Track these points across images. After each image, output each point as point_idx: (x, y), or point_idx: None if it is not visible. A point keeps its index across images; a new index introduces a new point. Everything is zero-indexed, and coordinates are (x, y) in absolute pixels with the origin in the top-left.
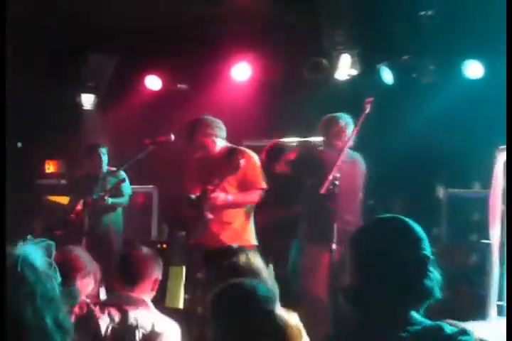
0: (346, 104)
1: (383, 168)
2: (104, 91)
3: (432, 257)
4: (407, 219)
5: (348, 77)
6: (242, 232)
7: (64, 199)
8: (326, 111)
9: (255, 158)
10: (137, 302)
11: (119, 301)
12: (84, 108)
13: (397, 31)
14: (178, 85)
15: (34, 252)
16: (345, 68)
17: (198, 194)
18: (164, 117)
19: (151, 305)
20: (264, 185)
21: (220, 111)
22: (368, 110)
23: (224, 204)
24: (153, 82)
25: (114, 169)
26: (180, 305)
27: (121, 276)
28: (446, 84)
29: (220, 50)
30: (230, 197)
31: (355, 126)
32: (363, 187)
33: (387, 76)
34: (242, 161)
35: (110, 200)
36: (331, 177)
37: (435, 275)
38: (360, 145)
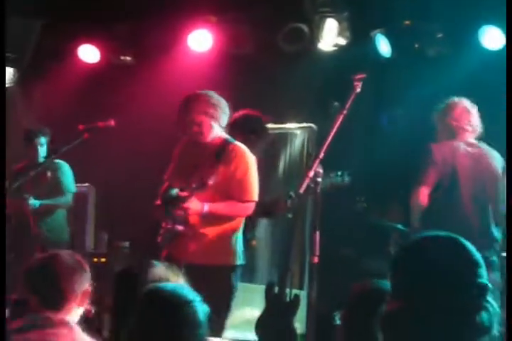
0: (332, 81)
1: (376, 161)
2: (26, 64)
3: (490, 286)
4: (462, 239)
5: (334, 48)
6: (221, 249)
7: None
8: (307, 91)
9: (252, 160)
10: (58, 325)
11: (37, 324)
12: None
13: None
14: (121, 57)
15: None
16: (330, 36)
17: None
18: (103, 97)
19: (74, 326)
20: (255, 198)
21: (173, 90)
22: (358, 89)
23: (198, 215)
24: (89, 53)
25: (53, 161)
26: None
27: (39, 295)
28: (458, 57)
29: (173, 13)
30: (206, 208)
31: (344, 108)
32: (498, 195)
33: (383, 46)
34: (233, 162)
35: (38, 203)
36: (311, 174)
37: (494, 308)
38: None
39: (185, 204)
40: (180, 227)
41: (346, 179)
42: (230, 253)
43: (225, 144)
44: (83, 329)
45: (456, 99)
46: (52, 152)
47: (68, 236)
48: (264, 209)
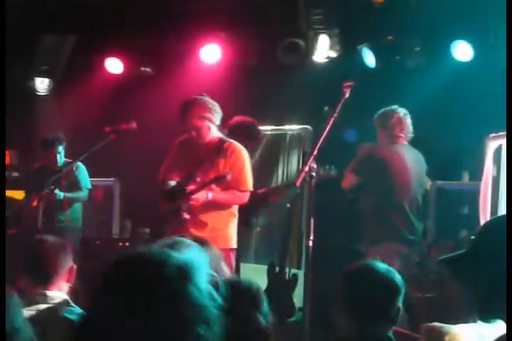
0: (324, 88)
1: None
2: (59, 75)
3: None
4: None
5: (326, 60)
6: (220, 234)
7: (16, 194)
8: (303, 96)
9: (246, 155)
10: (55, 300)
11: (34, 302)
12: (39, 93)
13: (380, 9)
14: (142, 68)
15: (202, 262)
16: (323, 50)
17: (176, 186)
18: (127, 103)
19: (69, 300)
20: (250, 188)
21: (188, 97)
22: (347, 95)
23: (203, 204)
24: (114, 65)
25: (70, 161)
26: None
27: (31, 275)
28: (433, 68)
29: (187, 30)
30: (210, 196)
31: (335, 111)
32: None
33: (368, 58)
34: (231, 158)
35: (62, 195)
36: (306, 169)
37: None
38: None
39: (195, 196)
40: (187, 216)
41: (333, 172)
42: (228, 238)
43: (221, 142)
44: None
45: (392, 108)
46: (79, 155)
47: (81, 225)
48: (260, 199)
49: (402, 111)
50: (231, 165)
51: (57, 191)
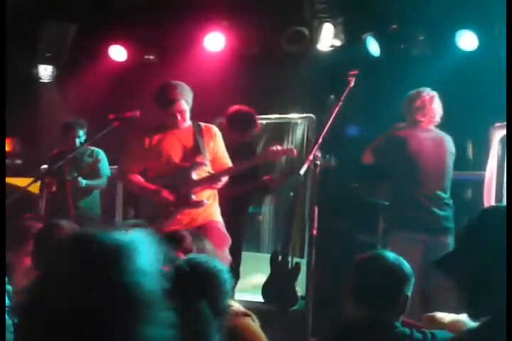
0: (329, 77)
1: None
2: (63, 62)
3: None
4: None
5: (330, 48)
6: (214, 210)
7: (19, 181)
8: (307, 85)
9: (221, 135)
10: None
11: None
12: (42, 80)
13: None
14: (146, 56)
15: (144, 244)
16: (327, 38)
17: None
18: (130, 91)
19: None
20: (231, 164)
21: (191, 85)
22: (352, 84)
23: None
24: (118, 53)
25: (91, 148)
26: None
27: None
28: (438, 57)
29: (191, 18)
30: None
31: (339, 100)
32: (450, 166)
33: (373, 47)
34: (216, 139)
35: (85, 182)
36: (311, 157)
37: None
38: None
39: (224, 178)
40: (206, 201)
41: (332, 161)
42: (218, 211)
43: (198, 125)
44: None
45: (420, 90)
46: (86, 139)
47: (100, 212)
48: (261, 186)
49: (428, 95)
50: (218, 146)
51: (80, 179)
